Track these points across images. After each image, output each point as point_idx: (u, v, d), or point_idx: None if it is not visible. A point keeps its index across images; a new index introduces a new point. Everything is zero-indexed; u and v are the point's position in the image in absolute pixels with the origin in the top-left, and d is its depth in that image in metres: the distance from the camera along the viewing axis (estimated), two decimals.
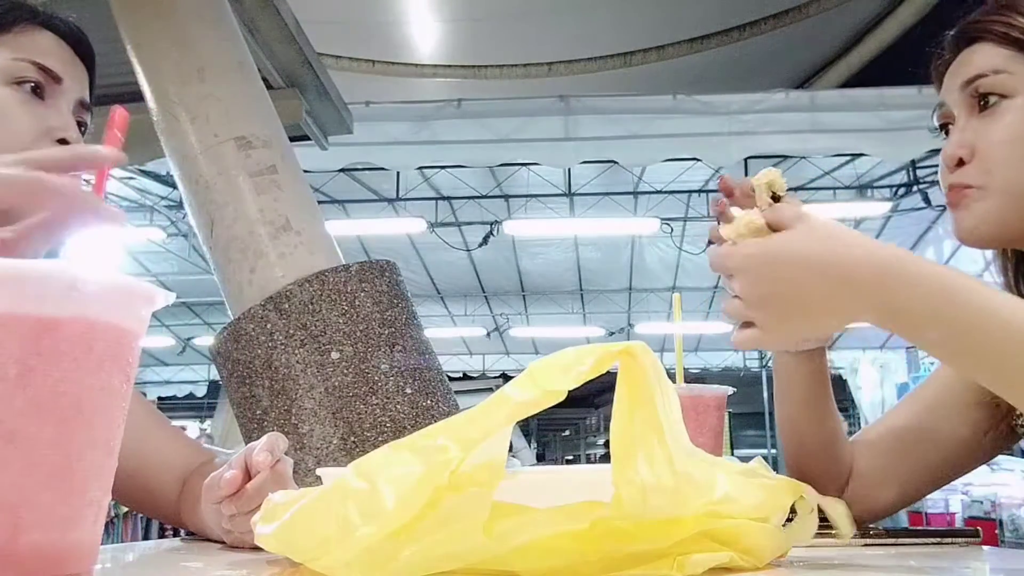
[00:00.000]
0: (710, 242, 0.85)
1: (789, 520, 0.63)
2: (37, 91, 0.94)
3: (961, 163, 0.94)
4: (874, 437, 1.08)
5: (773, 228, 0.78)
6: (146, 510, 1.15)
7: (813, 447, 1.02)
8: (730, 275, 0.79)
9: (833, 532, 0.67)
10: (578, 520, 0.50)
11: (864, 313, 0.74)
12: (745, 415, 16.59)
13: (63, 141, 0.93)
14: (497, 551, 0.49)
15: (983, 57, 0.95)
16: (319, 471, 0.63)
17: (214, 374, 10.56)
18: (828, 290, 0.73)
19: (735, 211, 0.82)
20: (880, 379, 11.86)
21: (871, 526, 0.96)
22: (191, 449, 1.15)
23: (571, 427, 23.60)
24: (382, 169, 7.18)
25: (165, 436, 1.13)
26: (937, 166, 1.00)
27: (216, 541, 0.94)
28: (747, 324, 0.79)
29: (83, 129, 1.00)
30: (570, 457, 23.35)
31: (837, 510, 0.63)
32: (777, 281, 0.75)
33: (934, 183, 8.13)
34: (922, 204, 8.36)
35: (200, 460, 1.11)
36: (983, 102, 0.94)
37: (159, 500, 1.10)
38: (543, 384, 0.51)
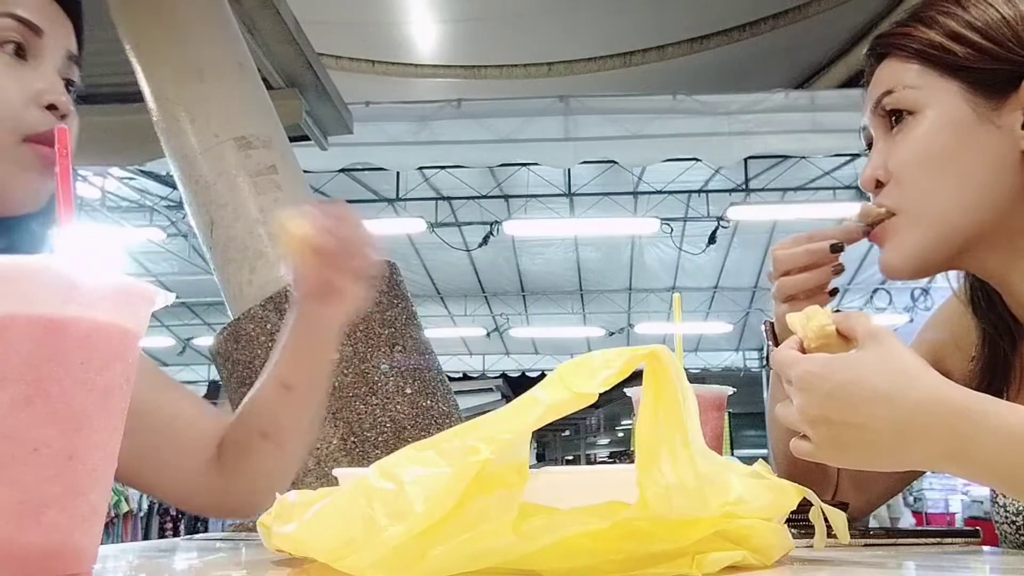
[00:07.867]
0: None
1: (790, 521, 0.64)
2: (19, 51, 0.84)
3: (880, 185, 0.90)
4: None
5: (842, 336, 0.74)
6: (158, 488, 1.04)
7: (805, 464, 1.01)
8: (789, 382, 0.74)
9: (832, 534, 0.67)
10: (603, 521, 0.50)
11: (930, 456, 0.69)
12: (745, 415, 16.60)
13: (52, 107, 0.84)
14: (524, 551, 0.49)
15: (889, 73, 0.91)
16: (335, 471, 0.63)
17: (214, 374, 10.56)
18: (895, 428, 0.69)
19: (810, 309, 0.78)
20: None
21: (871, 527, 0.96)
22: (213, 410, 1.05)
23: (571, 427, 23.61)
24: (382, 169, 7.19)
25: (185, 399, 1.03)
26: None
27: (222, 538, 0.94)
28: (804, 436, 0.75)
29: (71, 88, 0.89)
30: (570, 457, 23.36)
31: (836, 520, 0.64)
32: (837, 409, 0.70)
33: None
34: None
35: (226, 421, 1.02)
36: (893, 119, 0.90)
37: (180, 473, 1.00)
38: (573, 387, 0.52)
